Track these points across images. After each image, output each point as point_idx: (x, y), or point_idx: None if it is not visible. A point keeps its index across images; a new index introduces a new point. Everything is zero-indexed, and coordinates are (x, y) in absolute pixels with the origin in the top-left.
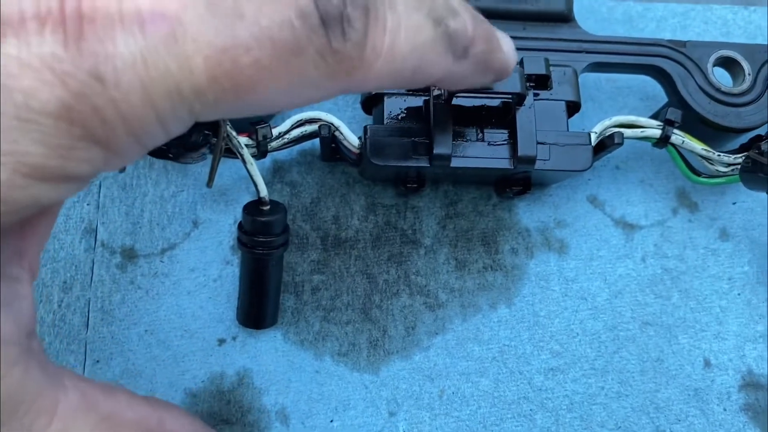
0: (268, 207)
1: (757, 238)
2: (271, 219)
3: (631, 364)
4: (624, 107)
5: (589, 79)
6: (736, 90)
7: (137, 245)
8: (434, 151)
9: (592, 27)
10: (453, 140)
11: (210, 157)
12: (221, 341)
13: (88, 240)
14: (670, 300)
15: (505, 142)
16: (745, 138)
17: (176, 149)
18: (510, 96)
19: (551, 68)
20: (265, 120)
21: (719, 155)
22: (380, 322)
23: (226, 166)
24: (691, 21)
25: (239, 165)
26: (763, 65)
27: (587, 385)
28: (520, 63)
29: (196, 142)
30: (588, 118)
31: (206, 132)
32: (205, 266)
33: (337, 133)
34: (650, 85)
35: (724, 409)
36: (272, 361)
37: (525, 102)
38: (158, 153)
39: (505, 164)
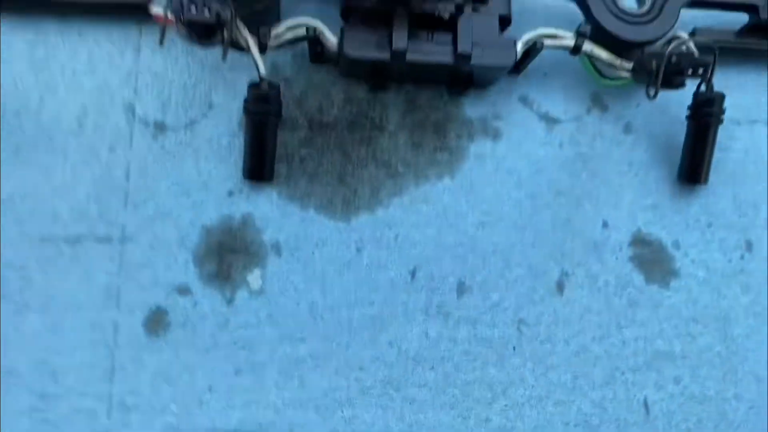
0: (266, 84)
1: (654, 132)
2: (268, 93)
3: (545, 223)
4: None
5: (526, 6)
6: (639, 11)
7: (166, 120)
8: (393, 48)
9: None
10: (409, 40)
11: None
12: (230, 193)
13: (128, 115)
14: (579, 177)
15: (449, 43)
16: None
17: (199, 31)
18: (453, 6)
19: None
20: (267, 23)
21: (621, 62)
22: (352, 186)
23: (234, 64)
24: None
25: (246, 67)
26: None
27: (509, 237)
28: None
29: (213, 26)
30: (525, 32)
31: (221, 20)
32: (218, 137)
33: (320, 35)
34: (577, 12)
35: (616, 258)
36: (269, 210)
37: (464, 12)
38: (186, 36)
39: (449, 59)
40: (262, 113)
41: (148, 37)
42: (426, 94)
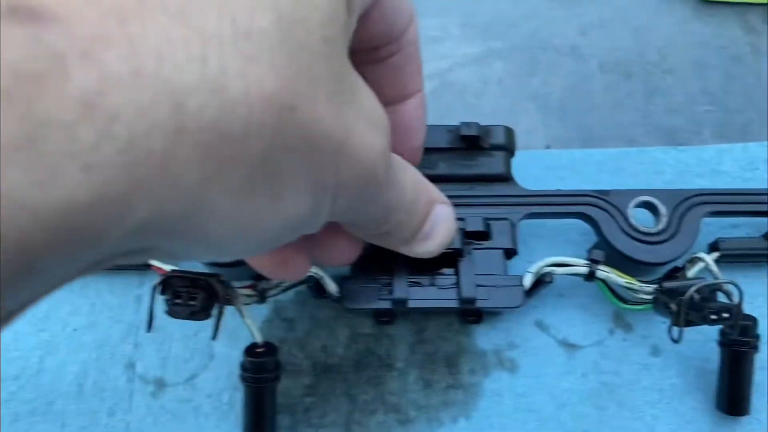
0: (262, 350)
1: (683, 353)
2: (264, 360)
3: None
4: (566, 241)
5: (533, 229)
6: (654, 230)
7: (166, 376)
8: (394, 296)
9: (539, 174)
10: (409, 286)
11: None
12: None
13: (129, 373)
14: (607, 410)
15: (452, 286)
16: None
17: (188, 314)
18: (452, 250)
19: (491, 221)
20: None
21: (640, 285)
22: None
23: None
24: (628, 163)
25: (248, 309)
26: (677, 207)
27: None
28: (463, 220)
29: (203, 308)
30: (535, 251)
31: (209, 296)
32: (219, 392)
33: (321, 282)
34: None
35: None
36: None
37: (465, 253)
38: (174, 314)
39: (453, 304)
40: (260, 380)
41: (149, 287)
42: (435, 323)
